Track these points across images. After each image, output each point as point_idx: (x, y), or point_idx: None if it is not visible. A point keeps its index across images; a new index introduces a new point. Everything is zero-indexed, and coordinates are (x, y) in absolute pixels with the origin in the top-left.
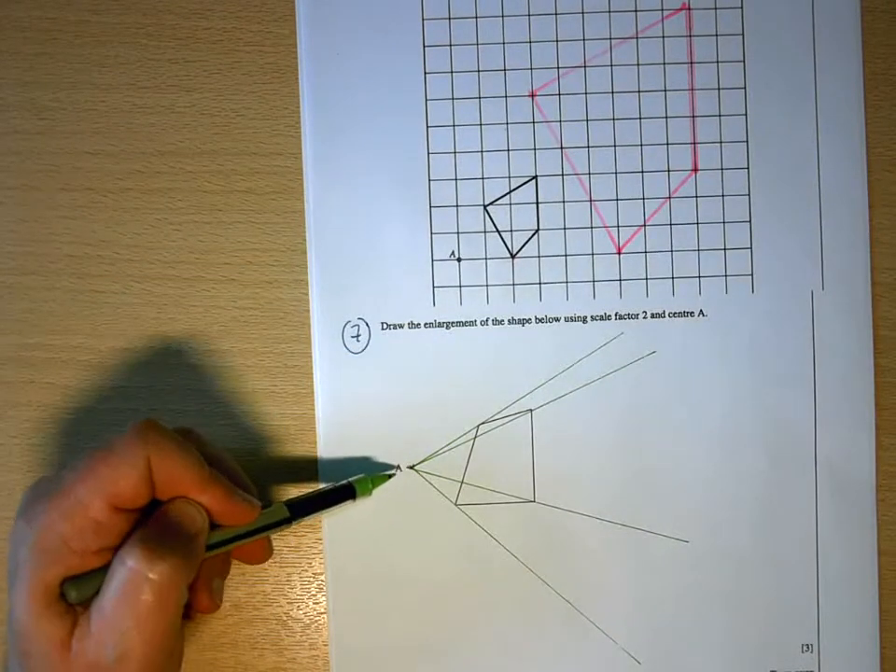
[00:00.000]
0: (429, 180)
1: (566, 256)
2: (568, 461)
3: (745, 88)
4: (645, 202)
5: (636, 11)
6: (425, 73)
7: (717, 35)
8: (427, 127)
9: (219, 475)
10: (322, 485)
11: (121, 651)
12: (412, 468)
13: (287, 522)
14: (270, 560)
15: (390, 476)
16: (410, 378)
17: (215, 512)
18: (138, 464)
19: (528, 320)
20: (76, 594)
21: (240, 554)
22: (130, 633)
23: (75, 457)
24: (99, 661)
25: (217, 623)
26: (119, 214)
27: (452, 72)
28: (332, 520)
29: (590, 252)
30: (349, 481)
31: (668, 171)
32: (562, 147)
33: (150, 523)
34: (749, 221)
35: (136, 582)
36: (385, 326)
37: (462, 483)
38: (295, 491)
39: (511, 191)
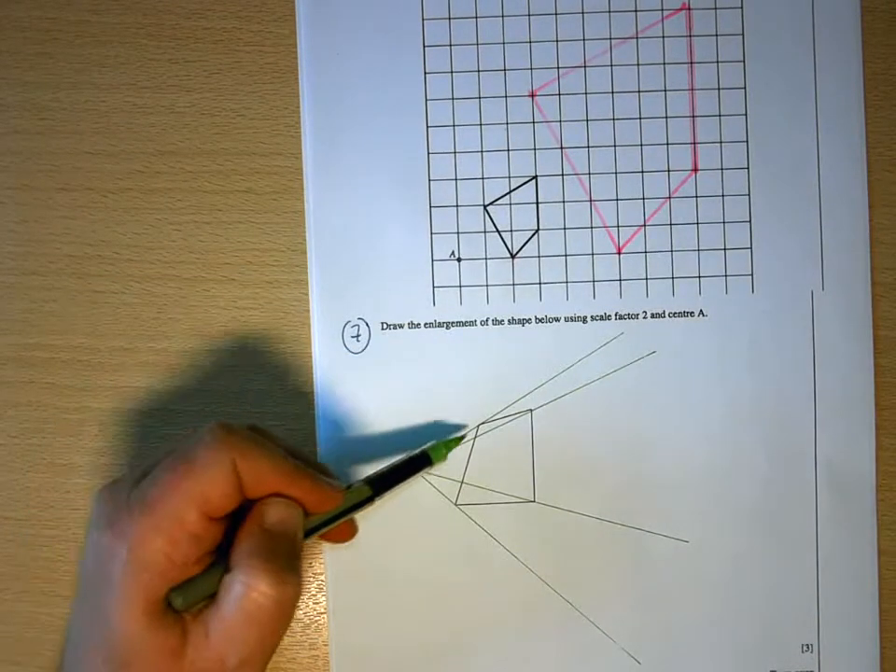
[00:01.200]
0: (429, 180)
1: (566, 256)
2: (568, 461)
3: (745, 88)
4: (645, 202)
5: (636, 11)
6: (425, 73)
7: (717, 35)
8: (427, 127)
9: (302, 465)
10: (395, 459)
11: (242, 661)
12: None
13: (370, 500)
14: None
15: (462, 438)
16: (410, 378)
17: (304, 503)
18: (226, 471)
19: (528, 320)
20: (182, 601)
21: (328, 536)
22: (252, 646)
23: (150, 461)
24: (214, 670)
25: None
26: (119, 214)
27: (452, 72)
28: None
29: (590, 252)
30: (423, 449)
31: (668, 171)
32: (562, 147)
33: (256, 533)
34: (749, 221)
35: (262, 603)
36: (384, 326)
37: (462, 482)
38: None
39: (511, 191)
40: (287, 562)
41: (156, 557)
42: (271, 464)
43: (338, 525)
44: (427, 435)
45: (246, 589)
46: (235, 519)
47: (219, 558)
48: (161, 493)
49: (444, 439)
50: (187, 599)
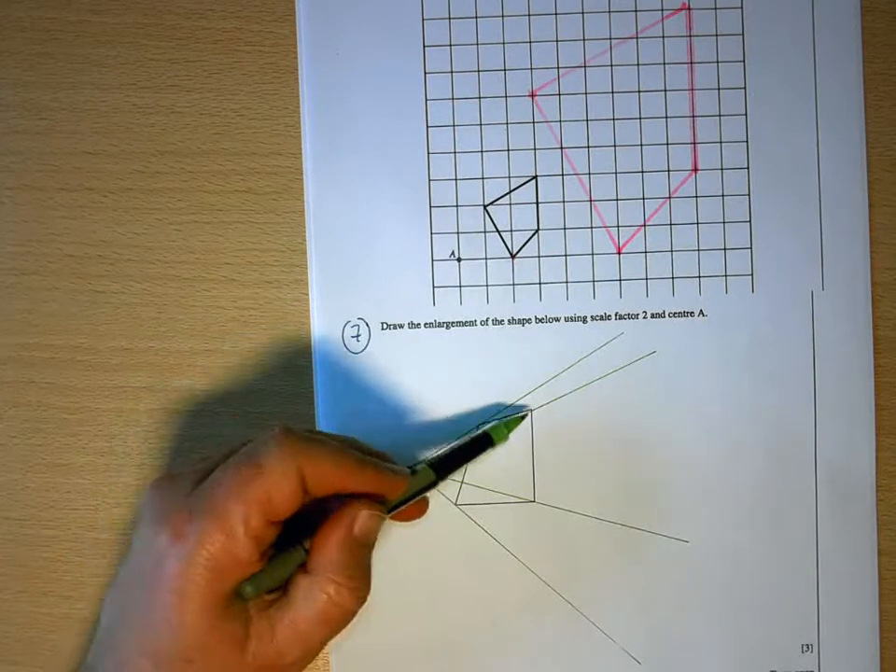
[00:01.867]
0: (429, 180)
1: (566, 256)
2: (568, 461)
3: (745, 88)
4: (645, 202)
5: (636, 11)
6: (425, 73)
7: (717, 35)
8: (427, 127)
9: (365, 458)
10: (456, 441)
11: (301, 658)
12: (412, 468)
13: (434, 482)
14: None
15: (523, 417)
16: (410, 378)
17: (372, 493)
18: (291, 477)
19: (528, 320)
20: (251, 590)
21: (398, 516)
22: (316, 647)
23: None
24: (275, 663)
25: None
26: (119, 214)
27: (452, 72)
28: None
29: (590, 252)
30: (484, 430)
31: (668, 171)
32: (562, 147)
33: (344, 543)
34: (749, 221)
35: (337, 612)
36: (384, 326)
37: (462, 483)
38: None
39: (511, 191)
40: (364, 573)
41: (220, 558)
42: (335, 462)
43: (405, 508)
44: (427, 434)
45: (325, 597)
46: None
47: (283, 548)
48: (226, 496)
49: (505, 418)
50: (256, 589)
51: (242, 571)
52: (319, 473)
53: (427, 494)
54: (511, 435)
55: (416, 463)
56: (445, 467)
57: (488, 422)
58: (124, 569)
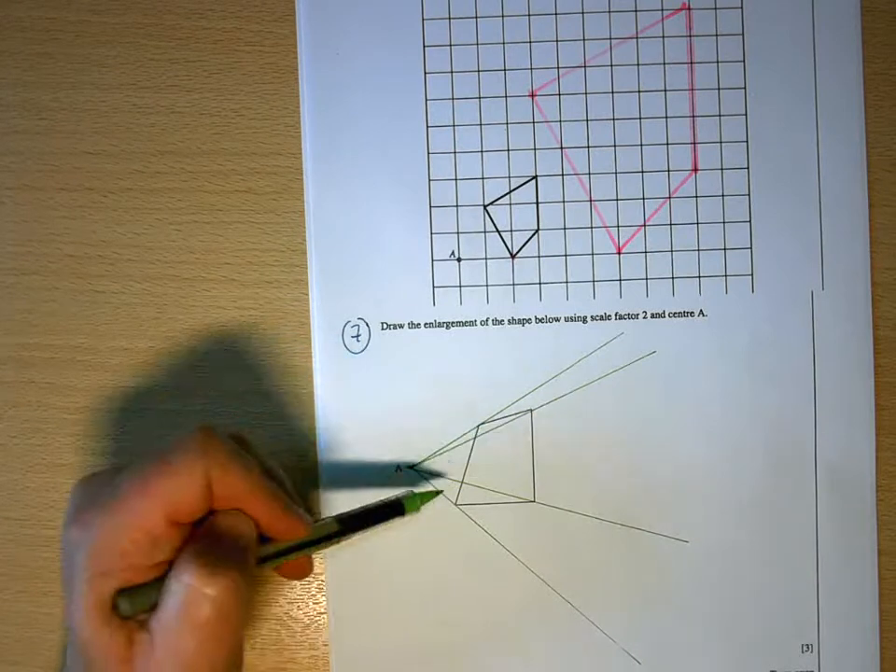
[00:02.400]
0: (429, 180)
1: (566, 256)
2: (568, 461)
3: (745, 88)
4: (645, 202)
5: (636, 11)
6: (425, 73)
7: (717, 35)
8: (427, 127)
9: (276, 488)
10: (370, 502)
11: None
12: (411, 468)
13: (336, 537)
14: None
15: (437, 493)
16: (410, 378)
17: (268, 526)
18: (198, 478)
19: (528, 320)
20: (128, 606)
21: (284, 569)
22: (192, 653)
23: (130, 461)
24: None
25: None
26: (119, 214)
27: (452, 72)
28: None
29: (590, 252)
30: (397, 497)
31: (668, 171)
32: (562, 147)
33: (201, 536)
34: (749, 221)
35: (196, 600)
36: (384, 326)
37: (462, 482)
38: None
39: (511, 191)
40: (226, 561)
41: (111, 555)
42: (245, 481)
43: (298, 556)
44: (426, 434)
45: (181, 586)
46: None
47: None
48: (129, 489)
49: (420, 491)
50: (133, 605)
51: (132, 575)
52: (227, 485)
53: (322, 552)
54: (511, 436)
55: (324, 517)
56: (352, 524)
57: (403, 490)
58: (61, 561)
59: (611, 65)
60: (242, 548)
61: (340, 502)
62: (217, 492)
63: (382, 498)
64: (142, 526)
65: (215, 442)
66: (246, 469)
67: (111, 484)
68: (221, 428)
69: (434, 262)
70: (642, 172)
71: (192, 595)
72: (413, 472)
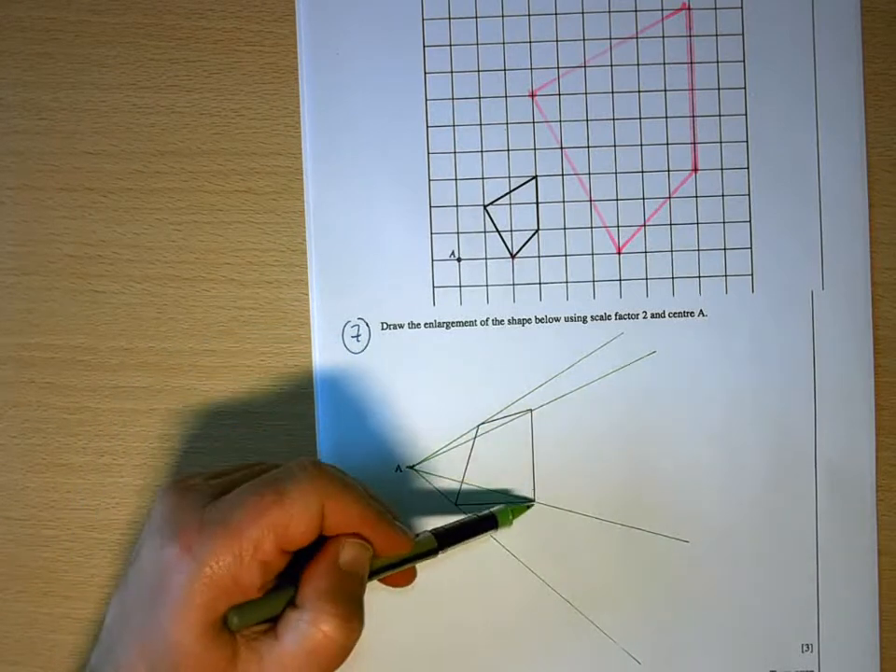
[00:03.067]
0: (429, 180)
1: (566, 256)
2: (568, 461)
3: (745, 88)
4: (645, 202)
5: (636, 11)
6: (425, 73)
7: (717, 35)
8: (427, 127)
9: (382, 509)
10: (464, 516)
11: None
12: (411, 468)
13: (434, 552)
14: None
15: (529, 507)
16: (410, 378)
17: (377, 546)
18: (312, 511)
19: (528, 320)
20: (238, 620)
21: (389, 580)
22: None
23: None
24: None
25: None
26: (119, 214)
27: (452, 72)
28: None
29: (590, 252)
30: (491, 511)
31: (668, 171)
32: (562, 147)
33: (330, 570)
34: (749, 221)
35: (327, 646)
36: (384, 326)
37: (462, 482)
38: None
39: (511, 191)
40: (354, 605)
41: (224, 578)
42: (357, 510)
43: (399, 570)
44: (426, 434)
45: (312, 630)
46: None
47: (280, 584)
48: (243, 518)
49: (513, 505)
50: (243, 620)
51: (242, 596)
52: (340, 513)
53: (418, 563)
54: (511, 436)
55: (421, 532)
56: (448, 539)
57: (495, 505)
58: (131, 573)
59: (611, 65)
60: (362, 583)
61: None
62: (329, 521)
63: (477, 513)
64: (255, 555)
65: (327, 474)
66: (358, 497)
67: (217, 506)
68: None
69: (434, 262)
70: (642, 172)
71: (324, 639)
72: (414, 472)
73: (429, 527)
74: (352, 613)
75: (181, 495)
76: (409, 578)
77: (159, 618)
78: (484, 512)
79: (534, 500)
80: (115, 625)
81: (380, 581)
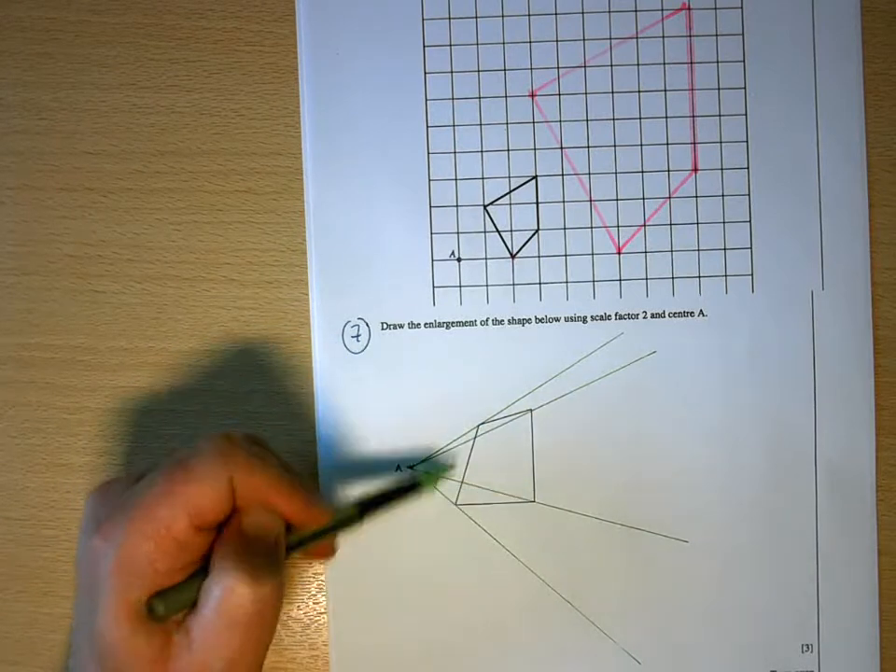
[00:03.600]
0: (429, 180)
1: (566, 256)
2: (568, 461)
3: (745, 88)
4: (645, 202)
5: (636, 11)
6: (425, 73)
7: (717, 35)
8: (427, 127)
9: (296, 479)
10: (385, 484)
11: (226, 667)
12: (411, 468)
13: (355, 519)
14: None
15: (451, 467)
16: (410, 378)
17: (293, 518)
18: (221, 484)
19: (528, 320)
20: (163, 608)
21: (310, 552)
22: (234, 650)
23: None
24: None
25: None
26: (119, 214)
27: (452, 72)
28: None
29: (590, 252)
30: (413, 476)
31: (668, 171)
32: (562, 147)
33: (235, 538)
34: (749, 221)
35: (238, 602)
36: (384, 326)
37: (462, 483)
38: None
39: (511, 191)
40: (263, 562)
41: (141, 562)
42: (267, 479)
43: (321, 542)
44: (426, 434)
45: (222, 591)
46: (221, 530)
47: (201, 570)
48: (153, 498)
49: (436, 466)
50: (168, 607)
51: (162, 580)
52: (250, 485)
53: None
54: (511, 436)
55: (342, 503)
56: (369, 507)
57: (416, 469)
58: (76, 573)
59: (611, 65)
60: (274, 544)
61: (340, 502)
62: (240, 492)
63: (399, 480)
64: (168, 533)
65: (233, 445)
66: (267, 467)
67: (130, 493)
68: (236, 432)
69: (434, 262)
70: (642, 172)
71: (234, 597)
72: (414, 472)
73: (428, 526)
74: (257, 567)
75: (102, 490)
76: (328, 550)
77: (94, 612)
78: (407, 478)
79: (454, 464)
80: (75, 627)
81: (301, 555)
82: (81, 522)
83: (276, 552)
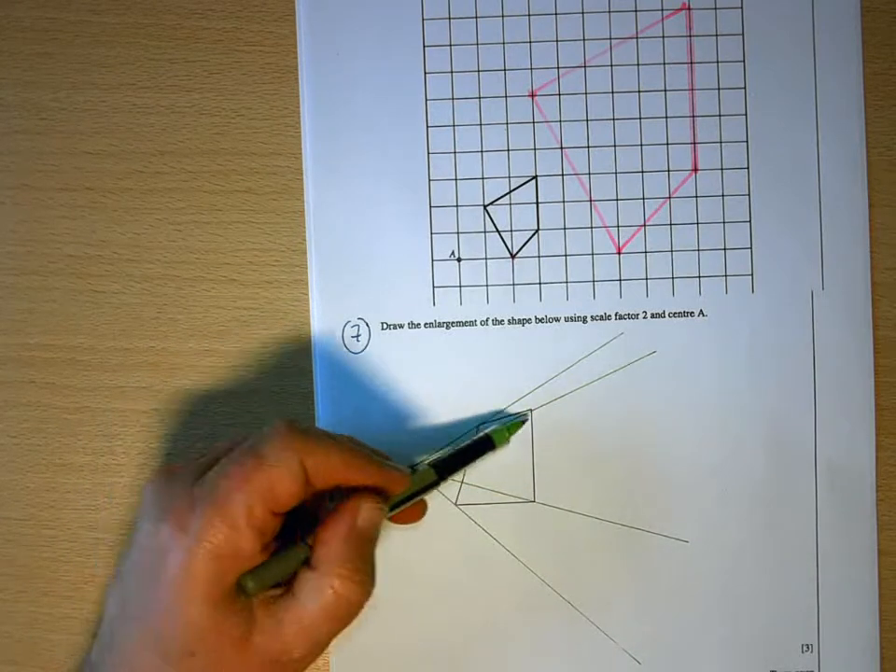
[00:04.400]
0: (429, 180)
1: (566, 256)
2: (568, 461)
3: (745, 88)
4: (645, 202)
5: (636, 11)
6: (425, 73)
7: (717, 35)
8: (427, 127)
9: (367, 453)
10: (457, 444)
11: (308, 652)
12: (412, 467)
13: (436, 483)
14: None
15: (524, 421)
16: (410, 378)
17: (374, 488)
18: (294, 469)
19: (528, 320)
20: (253, 584)
21: (398, 518)
22: (323, 641)
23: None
24: (280, 658)
25: None
26: (119, 214)
27: (452, 72)
28: None
29: (590, 252)
30: (486, 433)
31: (668, 171)
32: (562, 147)
33: (347, 536)
34: (749, 221)
35: (343, 605)
36: (384, 326)
37: (462, 483)
38: None
39: (511, 191)
40: (368, 566)
41: (224, 549)
42: (338, 455)
43: (406, 507)
44: (427, 434)
45: (329, 591)
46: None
47: (285, 545)
48: (228, 487)
49: (506, 421)
50: (258, 584)
51: (244, 563)
52: (322, 465)
53: (427, 497)
54: (512, 436)
55: (417, 463)
56: (447, 467)
57: (489, 425)
58: (126, 563)
59: (611, 65)
60: (375, 542)
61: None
62: (313, 475)
63: (471, 438)
64: (248, 522)
65: (299, 430)
66: (336, 445)
67: (202, 482)
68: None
69: (434, 262)
70: (642, 172)
71: (343, 602)
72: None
73: (428, 526)
74: (365, 574)
75: (167, 479)
76: (418, 513)
77: (161, 600)
78: (480, 435)
79: (528, 413)
80: (115, 617)
81: (390, 520)
82: (142, 508)
83: (374, 549)
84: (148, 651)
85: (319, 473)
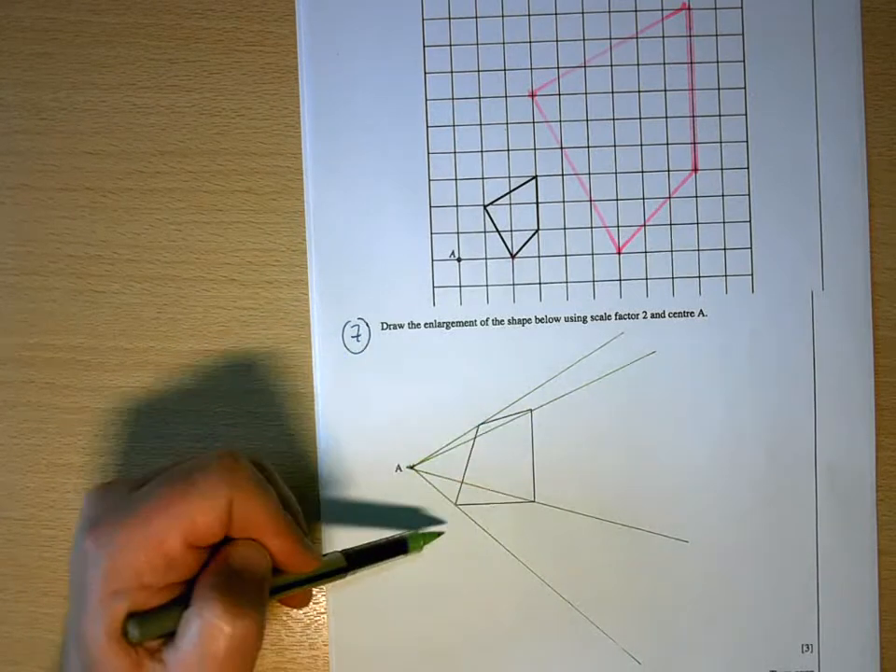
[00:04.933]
0: (429, 180)
1: (566, 256)
2: (568, 461)
3: (745, 88)
4: (645, 202)
5: (636, 11)
6: (425, 73)
7: (717, 35)
8: (427, 127)
9: (292, 521)
10: (377, 539)
11: None
12: (412, 468)
13: (342, 572)
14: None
15: (439, 534)
16: (410, 378)
17: (280, 560)
18: (220, 505)
19: (528, 320)
20: (138, 632)
21: (285, 600)
22: None
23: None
24: None
25: None
26: (119, 214)
27: (452, 72)
28: (331, 519)
29: (590, 252)
30: (402, 535)
31: (668, 171)
32: (562, 147)
33: (221, 569)
34: (749, 221)
35: (217, 636)
36: (384, 326)
37: (462, 482)
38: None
39: (511, 191)
40: (246, 598)
41: (126, 574)
42: (265, 512)
43: (304, 589)
44: (427, 434)
45: (202, 623)
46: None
47: (184, 597)
48: (150, 508)
49: (425, 530)
50: (143, 631)
51: (143, 596)
52: (247, 515)
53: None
54: (511, 436)
55: (330, 552)
56: (357, 560)
57: (407, 530)
58: (69, 571)
59: (611, 65)
60: (260, 582)
61: (339, 502)
62: (235, 519)
63: (386, 537)
64: (160, 548)
65: (240, 469)
66: (267, 500)
67: (129, 499)
68: (243, 454)
69: (434, 262)
70: (642, 172)
71: (214, 631)
72: (414, 472)
73: (430, 527)
74: (242, 606)
75: (100, 492)
76: (304, 600)
77: (80, 616)
78: (396, 536)
79: (444, 531)
80: (66, 627)
81: (279, 601)
82: (78, 519)
83: (261, 589)
84: (78, 667)
85: (242, 521)
